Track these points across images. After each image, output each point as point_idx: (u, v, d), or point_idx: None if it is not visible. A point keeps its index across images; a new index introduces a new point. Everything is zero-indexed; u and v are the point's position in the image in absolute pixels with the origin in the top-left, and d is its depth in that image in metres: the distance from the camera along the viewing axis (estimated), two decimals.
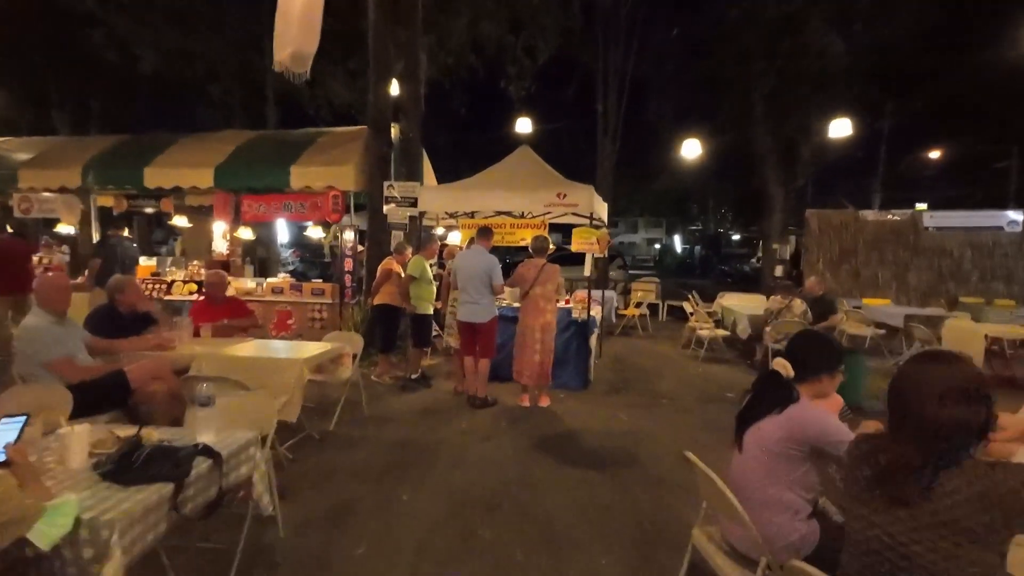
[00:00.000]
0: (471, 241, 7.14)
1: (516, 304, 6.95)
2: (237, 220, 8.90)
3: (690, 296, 10.93)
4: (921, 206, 13.96)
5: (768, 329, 8.17)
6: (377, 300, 6.81)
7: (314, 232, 16.49)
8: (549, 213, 7.28)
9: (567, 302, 7.23)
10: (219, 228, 11.41)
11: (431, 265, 9.17)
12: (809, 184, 14.30)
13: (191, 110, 15.37)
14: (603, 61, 14.96)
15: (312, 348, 4.64)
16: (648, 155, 18.83)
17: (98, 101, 14.46)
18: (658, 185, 23.93)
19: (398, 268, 6.79)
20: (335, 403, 5.33)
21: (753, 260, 29.96)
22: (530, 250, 6.01)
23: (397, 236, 7.73)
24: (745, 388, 2.47)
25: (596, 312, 7.06)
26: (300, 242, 22.32)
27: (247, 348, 4.60)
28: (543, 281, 5.81)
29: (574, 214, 7.33)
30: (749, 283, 22.98)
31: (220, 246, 11.89)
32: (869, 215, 12.78)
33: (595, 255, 6.96)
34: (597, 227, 6.94)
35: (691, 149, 9.47)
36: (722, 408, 6.18)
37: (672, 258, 42.36)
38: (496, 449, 4.83)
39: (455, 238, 8.63)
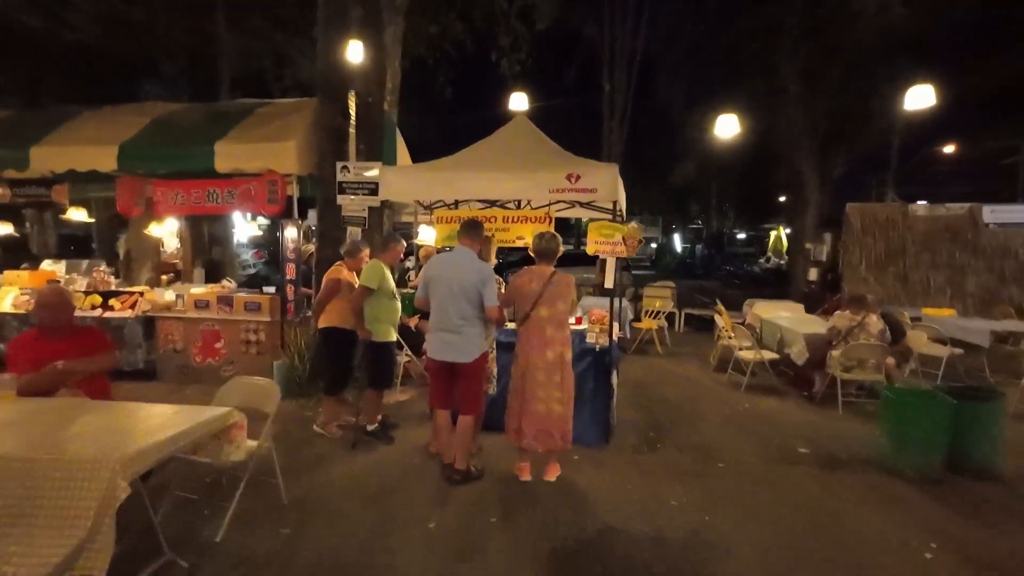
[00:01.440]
0: (447, 239, 5.32)
1: (511, 325, 5.14)
2: (151, 213, 6.97)
3: (718, 307, 9.11)
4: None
5: (834, 353, 6.37)
6: (322, 322, 4.94)
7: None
8: (557, 203, 5.46)
9: (578, 321, 5.40)
10: (171, 224, 9.63)
11: (409, 271, 7.30)
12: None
13: (134, 94, 13.38)
14: (609, 32, 13.12)
15: (163, 424, 2.74)
16: (657, 144, 16.98)
17: (9, 75, 12.35)
18: (676, 177, 21.69)
19: (349, 277, 4.93)
20: (235, 481, 3.47)
21: (761, 260, 28.25)
22: (532, 253, 4.18)
23: (354, 234, 5.85)
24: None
25: (615, 333, 5.23)
26: (270, 240, 20.37)
27: (30, 428, 2.69)
28: (552, 298, 3.98)
29: (587, 205, 5.51)
30: (760, 285, 21.25)
31: (172, 245, 10.16)
32: (919, 209, 11.01)
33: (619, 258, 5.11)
34: (617, 221, 5.09)
35: (727, 127, 7.68)
36: (806, 476, 4.37)
37: (671, 258, 40.55)
38: None
39: (428, 235, 6.71)
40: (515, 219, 5.32)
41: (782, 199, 29.35)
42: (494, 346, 4.83)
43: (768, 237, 28.67)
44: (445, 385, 4.05)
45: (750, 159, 16.42)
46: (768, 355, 7.12)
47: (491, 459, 4.47)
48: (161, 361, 6.66)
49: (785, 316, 8.27)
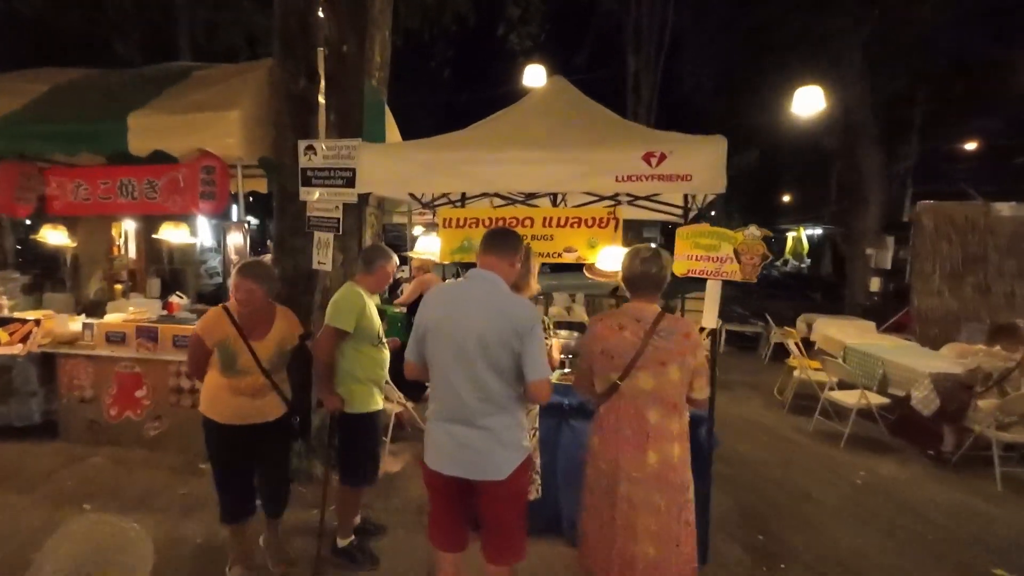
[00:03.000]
0: (458, 253, 3.64)
1: (562, 377, 3.48)
2: (44, 214, 5.17)
3: (788, 330, 7.44)
4: None
5: (982, 404, 4.69)
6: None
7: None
8: (623, 198, 3.70)
9: None
10: (129, 226, 7.93)
11: (402, 284, 5.38)
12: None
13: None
14: (636, 6, 11.38)
15: None
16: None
17: None
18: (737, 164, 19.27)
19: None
20: None
21: (778, 263, 26.63)
22: (621, 283, 2.47)
23: (323, 243, 4.11)
24: None
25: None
26: (257, 241, 18.47)
27: None
28: (660, 359, 2.29)
29: (658, 205, 3.78)
30: (778, 288, 19.63)
31: (133, 249, 8.35)
32: (1004, 209, 9.34)
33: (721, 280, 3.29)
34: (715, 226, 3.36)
35: (810, 102, 6.01)
36: None
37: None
38: None
39: (429, 245, 4.86)
40: (561, 221, 3.57)
41: (785, 199, 27.50)
42: (536, 425, 3.12)
43: (785, 238, 27.02)
44: (456, 514, 2.31)
45: (797, 147, 14.47)
46: (876, 399, 5.41)
47: None
48: (64, 414, 4.89)
49: (879, 345, 6.57)
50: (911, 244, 9.71)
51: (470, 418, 2.17)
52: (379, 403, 3.26)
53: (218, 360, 2.83)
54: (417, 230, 8.34)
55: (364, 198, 3.94)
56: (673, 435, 2.30)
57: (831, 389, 5.72)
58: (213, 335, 2.83)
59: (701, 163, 3.08)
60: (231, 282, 2.90)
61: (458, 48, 11.08)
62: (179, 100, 4.49)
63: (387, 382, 3.48)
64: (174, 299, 7.50)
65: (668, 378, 2.27)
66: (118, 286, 7.92)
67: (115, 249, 8.41)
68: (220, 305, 2.92)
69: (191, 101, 4.44)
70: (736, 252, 3.07)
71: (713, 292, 3.16)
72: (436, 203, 4.79)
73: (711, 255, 3.11)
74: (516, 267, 2.34)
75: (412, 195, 4.48)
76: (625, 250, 3.05)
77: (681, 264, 3.19)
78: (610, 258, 3.45)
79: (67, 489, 4.07)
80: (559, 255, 3.53)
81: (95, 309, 7.63)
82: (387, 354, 3.31)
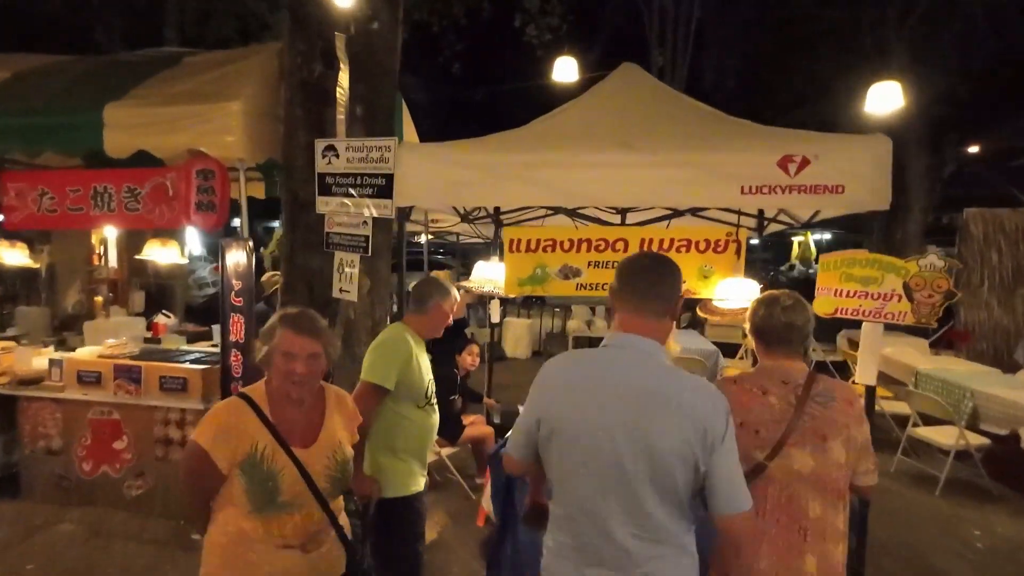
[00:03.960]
0: (529, 285, 2.93)
1: None
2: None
3: (850, 355, 6.74)
4: None
5: None
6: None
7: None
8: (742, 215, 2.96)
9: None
10: (111, 233, 7.05)
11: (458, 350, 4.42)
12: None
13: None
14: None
15: None
16: None
17: None
18: None
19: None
20: None
21: (783, 267, 26.11)
22: (750, 334, 1.81)
23: (347, 265, 3.34)
24: None
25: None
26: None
27: None
28: (817, 434, 1.65)
29: (777, 223, 3.05)
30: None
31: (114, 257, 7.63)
32: None
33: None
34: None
35: (885, 99, 5.34)
36: None
37: None
38: None
39: (489, 274, 3.99)
40: (666, 245, 2.83)
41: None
42: None
43: (790, 243, 26.49)
44: None
45: None
46: (975, 439, 4.72)
47: None
48: (27, 468, 4.08)
49: (956, 371, 5.87)
50: (957, 253, 9.09)
51: (622, 562, 1.41)
52: (421, 483, 2.50)
53: (242, 491, 1.65)
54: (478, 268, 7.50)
55: (403, 212, 3.17)
56: (839, 533, 1.67)
57: (915, 424, 5.03)
58: (230, 446, 1.65)
59: (858, 170, 2.38)
60: (268, 345, 1.74)
61: (469, 41, 10.27)
62: (168, 89, 3.68)
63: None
64: (160, 319, 6.66)
65: (831, 457, 1.64)
66: (98, 299, 7.16)
67: (95, 258, 7.63)
68: (236, 393, 1.80)
69: (182, 91, 3.63)
70: (907, 287, 2.34)
71: (872, 339, 2.43)
72: (475, 216, 4.03)
73: (869, 291, 2.38)
74: (668, 324, 1.58)
75: (464, 210, 3.72)
76: (750, 283, 2.32)
77: (825, 302, 2.46)
78: (732, 293, 2.71)
79: (26, 574, 3.26)
80: None
81: (73, 323, 6.81)
82: (436, 419, 2.55)
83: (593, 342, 10.54)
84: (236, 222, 3.87)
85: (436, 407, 2.55)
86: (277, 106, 3.72)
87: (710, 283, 2.81)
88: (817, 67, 10.76)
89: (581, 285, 2.91)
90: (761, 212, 3.80)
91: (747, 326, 1.86)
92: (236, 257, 3.57)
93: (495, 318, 4.84)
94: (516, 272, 2.94)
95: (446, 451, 4.18)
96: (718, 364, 6.63)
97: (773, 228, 4.04)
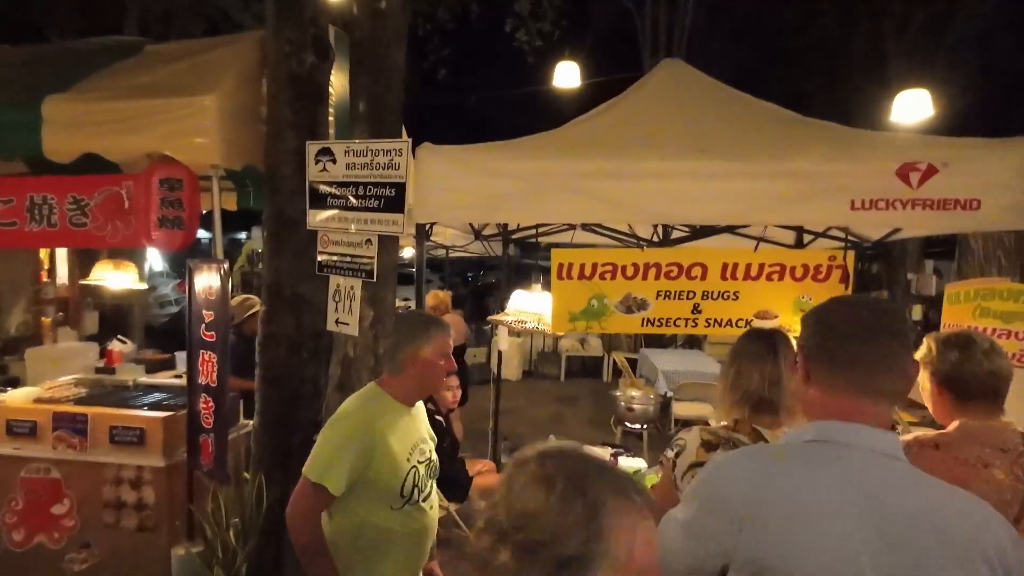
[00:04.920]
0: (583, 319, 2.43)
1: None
2: None
3: None
4: None
5: None
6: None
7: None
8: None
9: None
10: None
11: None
12: None
13: None
14: (652, 4, 10.36)
15: None
16: None
17: None
18: None
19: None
20: None
21: None
22: (931, 382, 1.46)
23: (345, 293, 2.77)
24: None
25: None
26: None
27: None
28: None
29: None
30: None
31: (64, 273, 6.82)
32: None
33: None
34: None
35: (915, 107, 5.04)
36: None
37: None
38: None
39: (531, 305, 3.36)
40: (754, 272, 2.33)
41: None
42: None
43: None
44: None
45: None
46: None
47: None
48: None
49: None
50: (956, 268, 8.92)
51: None
52: None
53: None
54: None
55: (422, 231, 2.62)
56: None
57: None
58: None
59: (998, 180, 1.93)
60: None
61: (455, 46, 9.80)
62: (125, 81, 3.07)
63: None
64: (115, 345, 5.91)
65: None
66: (46, 320, 6.55)
67: (43, 275, 6.90)
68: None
69: (143, 83, 3.03)
70: None
71: None
72: (486, 234, 3.50)
73: (1014, 329, 1.93)
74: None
75: (496, 227, 3.19)
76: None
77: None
78: None
79: None
80: (748, 324, 2.30)
81: (16, 347, 6.06)
82: (430, 519, 1.95)
83: (587, 362, 10.07)
84: (202, 232, 3.26)
85: (432, 504, 1.95)
86: (259, 103, 3.15)
87: None
88: (808, 78, 10.65)
89: (648, 320, 2.40)
90: (800, 229, 3.37)
91: (924, 374, 1.43)
92: (207, 281, 2.96)
93: (503, 345, 4.30)
94: (567, 304, 2.41)
95: (454, 505, 3.62)
96: None
97: (821, 244, 3.60)
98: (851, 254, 2.47)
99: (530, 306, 3.19)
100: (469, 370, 5.66)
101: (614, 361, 9.44)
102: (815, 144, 2.22)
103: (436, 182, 2.31)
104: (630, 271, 2.40)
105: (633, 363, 7.45)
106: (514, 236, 3.84)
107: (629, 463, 2.83)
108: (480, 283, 16.47)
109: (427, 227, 2.65)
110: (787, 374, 1.48)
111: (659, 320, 2.44)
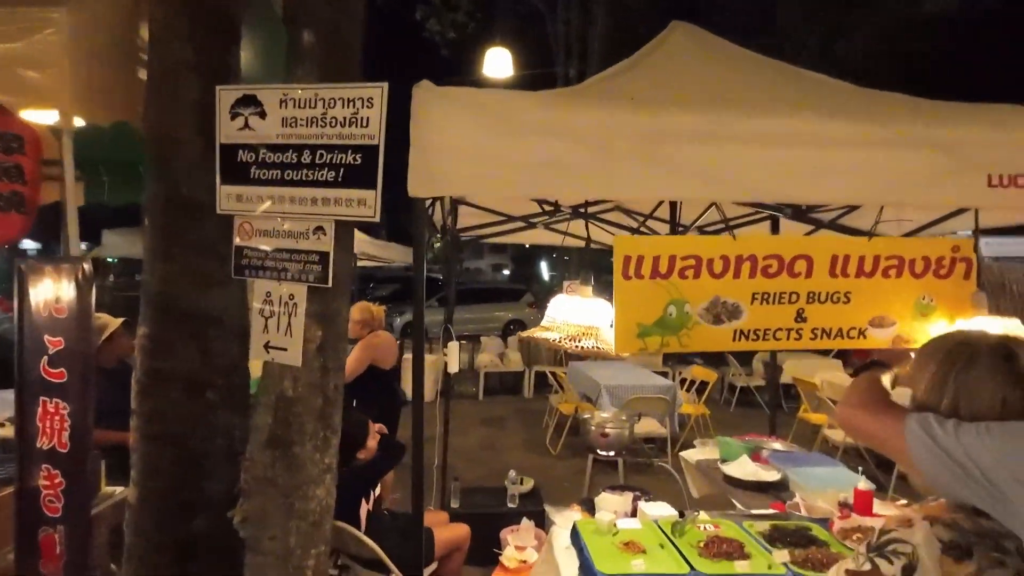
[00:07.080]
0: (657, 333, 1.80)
1: None
2: None
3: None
4: None
5: None
6: None
7: None
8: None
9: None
10: None
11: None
12: None
13: None
14: (564, 7, 10.07)
15: None
16: None
17: None
18: None
19: None
20: None
21: None
22: None
23: (281, 304, 1.92)
24: None
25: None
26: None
27: None
28: None
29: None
30: None
31: None
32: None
33: None
34: None
35: None
36: None
37: (540, 286, 38.19)
38: None
39: (582, 315, 2.48)
40: (868, 267, 1.79)
41: None
42: None
43: None
44: None
45: None
46: None
47: None
48: None
49: None
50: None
51: None
52: None
53: None
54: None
55: (423, 213, 1.85)
56: None
57: None
58: None
59: None
60: None
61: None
62: None
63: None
64: None
65: None
66: None
67: None
68: None
69: None
70: None
71: None
72: (587, 214, 2.74)
73: None
74: None
75: (546, 204, 2.41)
76: (1013, 323, 1.49)
77: None
78: None
79: None
80: (861, 335, 1.78)
81: None
82: None
83: (505, 378, 9.44)
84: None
85: None
86: (136, 35, 2.20)
87: (929, 322, 1.85)
88: None
89: (741, 333, 1.79)
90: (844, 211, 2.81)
91: None
92: (52, 292, 1.96)
93: (452, 366, 3.58)
94: (635, 314, 1.72)
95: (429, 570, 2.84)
96: (676, 400, 5.90)
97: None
98: (969, 243, 2.07)
99: (577, 316, 2.29)
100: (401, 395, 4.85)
101: (534, 376, 8.93)
102: (936, 109, 1.80)
103: (452, 141, 1.57)
104: (718, 266, 1.77)
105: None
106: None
107: (654, 510, 2.24)
108: (372, 297, 15.30)
109: (430, 207, 1.87)
110: None
111: (755, 332, 1.83)
